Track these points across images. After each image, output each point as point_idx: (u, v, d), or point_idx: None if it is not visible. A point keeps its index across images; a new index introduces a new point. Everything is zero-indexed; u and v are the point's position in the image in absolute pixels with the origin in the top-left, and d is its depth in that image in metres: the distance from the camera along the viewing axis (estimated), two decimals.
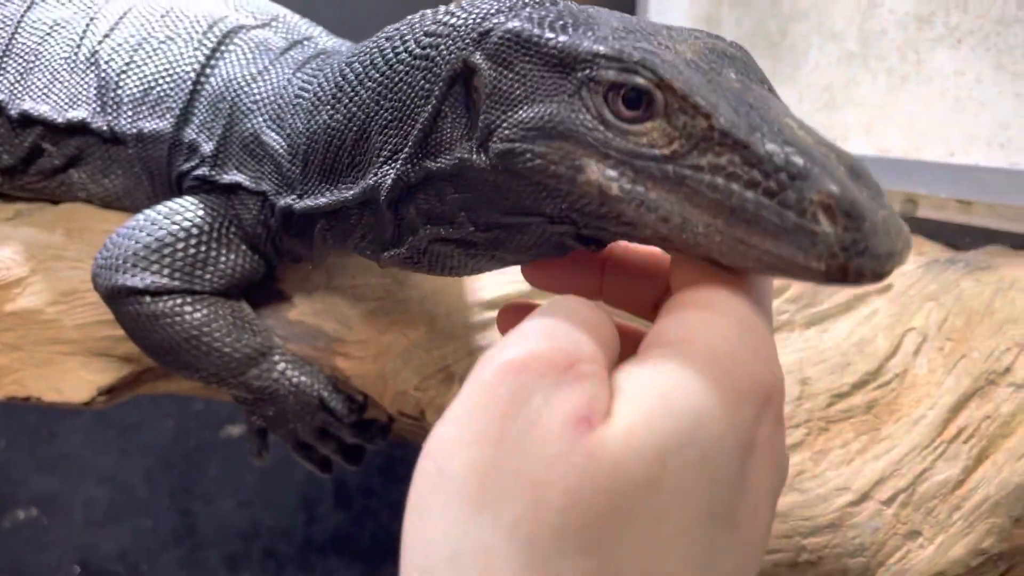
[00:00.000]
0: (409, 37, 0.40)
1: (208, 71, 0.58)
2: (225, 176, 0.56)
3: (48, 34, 0.62)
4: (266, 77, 0.56)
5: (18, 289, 0.60)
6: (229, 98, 0.57)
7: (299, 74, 0.55)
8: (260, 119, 0.55)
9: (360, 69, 0.43)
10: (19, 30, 0.62)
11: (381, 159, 0.41)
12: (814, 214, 0.27)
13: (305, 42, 0.60)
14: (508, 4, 0.35)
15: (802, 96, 0.82)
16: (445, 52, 0.37)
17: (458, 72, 0.36)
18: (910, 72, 0.69)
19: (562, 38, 0.32)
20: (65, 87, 0.61)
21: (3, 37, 0.62)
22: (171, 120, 0.58)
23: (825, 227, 0.27)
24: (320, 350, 0.61)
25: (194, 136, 0.57)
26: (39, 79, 0.61)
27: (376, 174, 0.41)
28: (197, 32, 0.60)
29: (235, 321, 0.57)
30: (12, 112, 0.61)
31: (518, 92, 0.33)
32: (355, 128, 0.43)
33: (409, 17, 0.41)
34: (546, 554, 0.24)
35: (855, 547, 0.52)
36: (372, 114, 0.41)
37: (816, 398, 0.57)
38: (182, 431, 1.38)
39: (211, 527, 1.43)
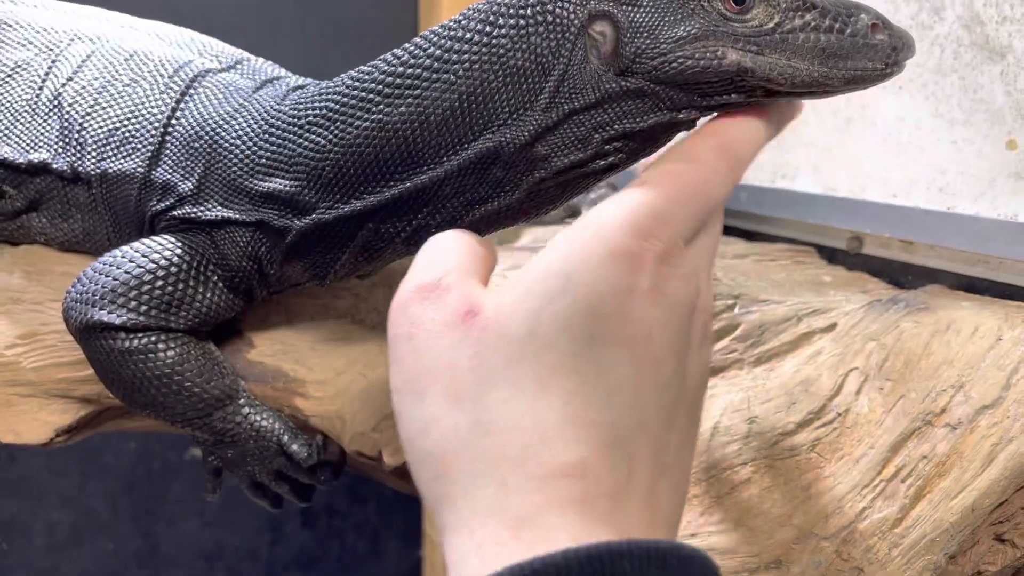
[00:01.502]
0: (499, 17, 0.46)
1: (179, 113, 0.59)
2: (209, 212, 0.56)
3: (9, 76, 0.62)
4: (244, 114, 0.57)
5: None
6: (206, 137, 0.57)
7: (285, 103, 0.55)
8: (249, 152, 0.55)
9: (428, 62, 0.47)
10: None
11: (499, 122, 0.46)
12: (872, 34, 0.42)
13: (275, 81, 0.61)
14: None
15: None
16: (567, 13, 0.44)
17: (585, 24, 0.44)
18: (855, 115, 0.72)
19: None
20: (27, 129, 0.61)
21: None
22: (140, 160, 0.58)
23: (880, 38, 0.42)
24: (279, 390, 0.62)
25: (168, 176, 0.58)
26: (0, 121, 0.61)
27: (494, 136, 0.46)
28: (163, 75, 0.61)
29: (205, 362, 0.57)
30: None
31: (651, 21, 0.43)
32: (440, 109, 0.47)
33: (478, 5, 0.47)
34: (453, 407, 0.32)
35: None
36: (471, 88, 0.46)
37: (763, 436, 0.59)
38: (145, 453, 1.38)
39: (175, 549, 1.43)
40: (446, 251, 0.36)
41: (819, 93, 0.43)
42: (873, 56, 0.42)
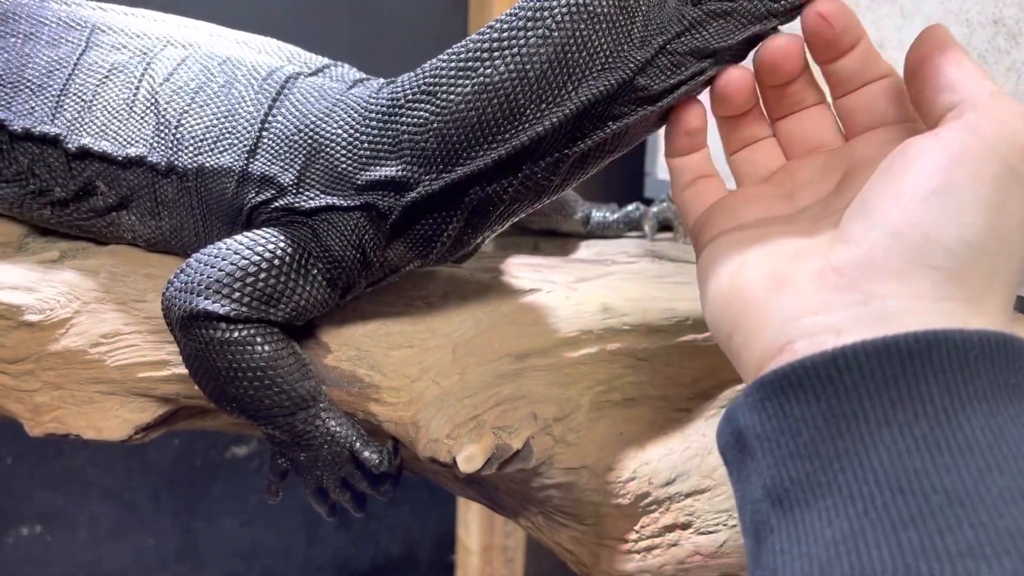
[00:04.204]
0: None
1: (275, 111, 0.60)
2: (311, 202, 0.58)
3: (106, 77, 0.64)
4: (342, 107, 0.58)
5: (61, 330, 0.62)
6: (306, 131, 0.59)
7: (381, 94, 0.57)
8: (351, 140, 0.57)
9: (522, 22, 0.49)
10: (76, 72, 0.64)
11: (597, 67, 0.48)
12: None
13: (364, 81, 0.63)
14: None
15: None
16: None
17: None
18: None
19: None
20: (124, 127, 0.63)
21: (60, 78, 0.64)
22: (237, 155, 0.60)
23: None
24: (354, 395, 0.63)
25: (267, 169, 0.59)
26: (97, 118, 0.63)
27: (596, 82, 0.48)
28: (256, 79, 0.62)
29: (295, 361, 0.58)
30: (71, 146, 0.63)
31: None
32: (539, 61, 0.49)
33: None
34: None
35: None
36: (565, 38, 0.48)
37: None
38: (188, 450, 1.39)
39: (213, 546, 1.44)
40: None
41: None
42: None
